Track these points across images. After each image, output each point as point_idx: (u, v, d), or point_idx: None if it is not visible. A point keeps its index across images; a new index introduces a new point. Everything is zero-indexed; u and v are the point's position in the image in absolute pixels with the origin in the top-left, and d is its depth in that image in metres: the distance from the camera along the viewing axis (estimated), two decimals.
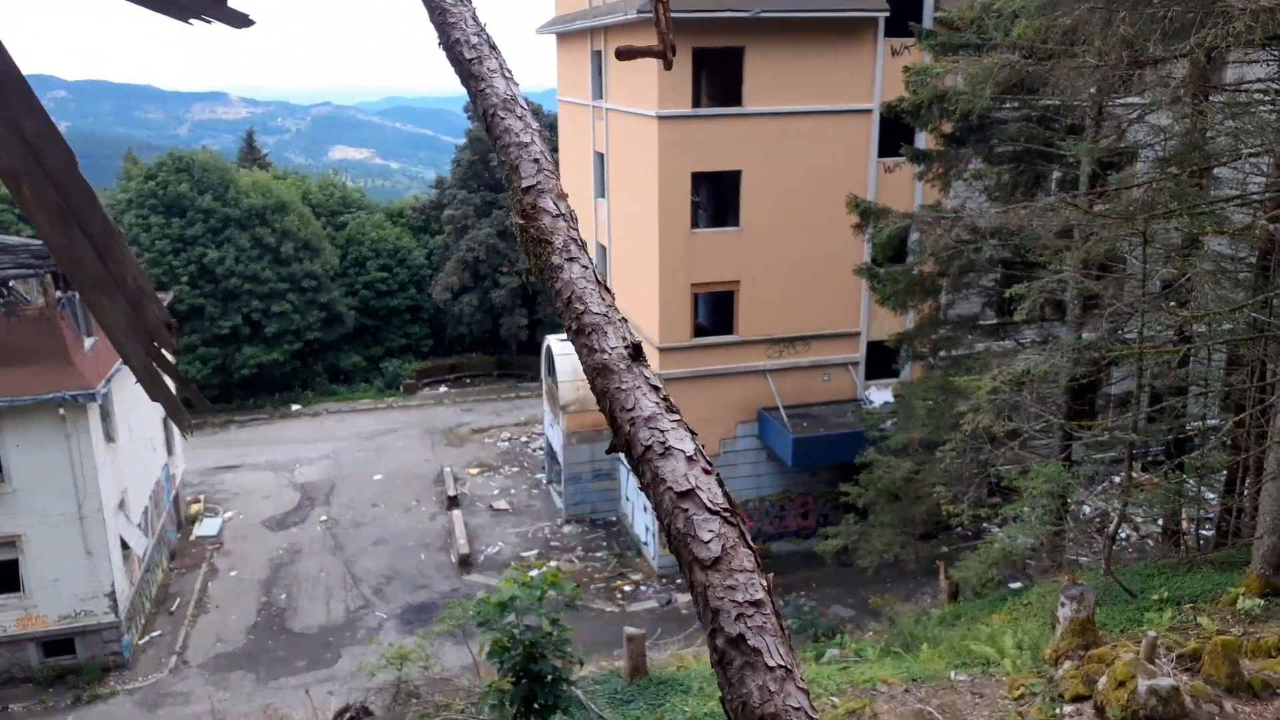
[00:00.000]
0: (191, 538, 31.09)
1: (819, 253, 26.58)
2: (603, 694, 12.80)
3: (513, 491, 34.32)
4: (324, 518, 32.54)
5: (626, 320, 1.55)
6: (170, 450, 31.35)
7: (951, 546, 21.12)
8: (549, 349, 32.38)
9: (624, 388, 1.48)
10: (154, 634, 25.64)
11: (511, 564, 26.27)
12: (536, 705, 9.24)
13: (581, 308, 1.57)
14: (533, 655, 9.18)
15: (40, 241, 30.53)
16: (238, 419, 42.69)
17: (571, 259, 1.64)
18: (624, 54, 2.41)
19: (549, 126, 47.34)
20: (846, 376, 28.12)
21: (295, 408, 44.31)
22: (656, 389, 1.49)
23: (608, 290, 1.60)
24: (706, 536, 1.27)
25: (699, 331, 27.99)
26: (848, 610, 24.93)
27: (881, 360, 27.20)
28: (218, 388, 43.36)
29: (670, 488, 1.34)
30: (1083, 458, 18.40)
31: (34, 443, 22.61)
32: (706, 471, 1.36)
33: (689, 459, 1.37)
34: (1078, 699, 10.34)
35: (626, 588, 27.45)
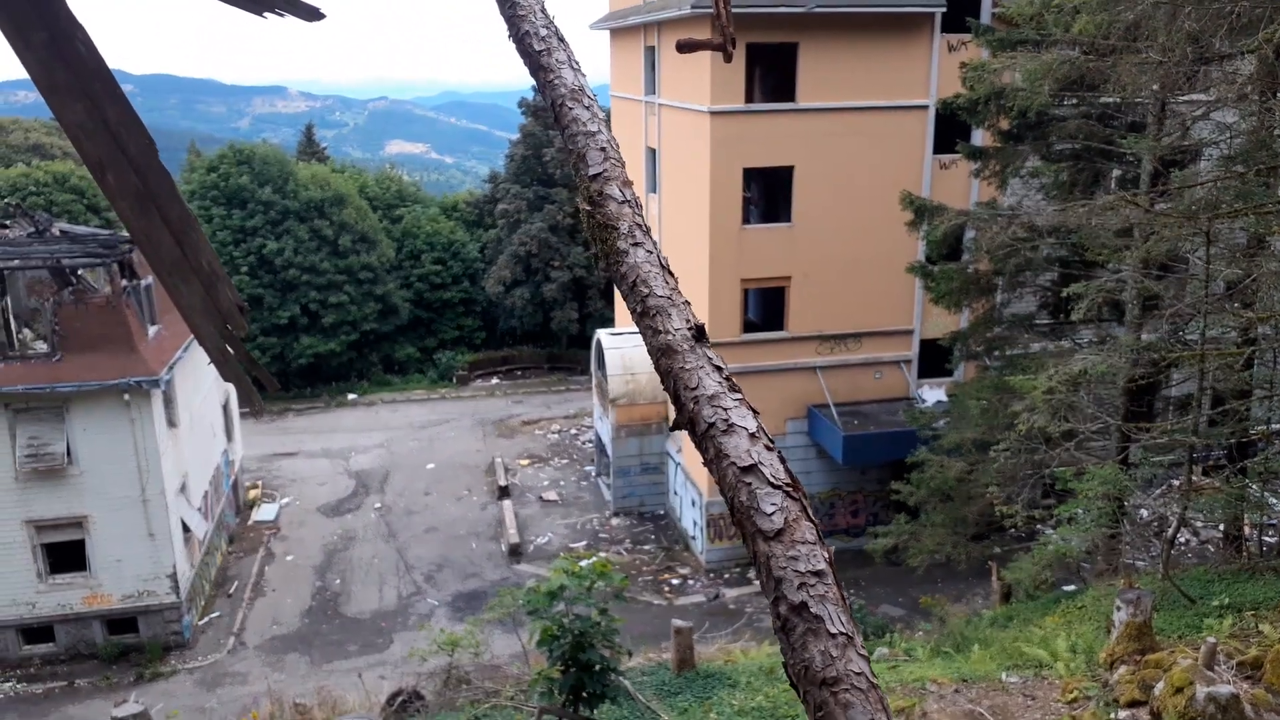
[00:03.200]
0: (249, 522, 31.87)
1: (871, 249, 26.39)
2: (650, 685, 12.90)
3: (562, 483, 34.61)
4: (378, 505, 33.14)
5: (690, 303, 1.61)
6: (230, 436, 32.15)
7: (1004, 547, 20.88)
8: (599, 343, 32.58)
9: (688, 367, 1.51)
10: (213, 615, 26.35)
11: (560, 554, 26.53)
12: (584, 694, 9.34)
13: (646, 290, 1.60)
14: (581, 644, 9.27)
15: (107, 232, 31.48)
16: (295, 407, 43.60)
17: (636, 244, 1.68)
18: (684, 47, 2.46)
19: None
20: (899, 375, 27.89)
21: (351, 397, 45.13)
22: (719, 369, 1.53)
23: (671, 274, 1.64)
24: (769, 509, 1.30)
25: (749, 327, 27.97)
26: (897, 609, 24.78)
27: (935, 359, 26.94)
28: (276, 376, 44.16)
29: (734, 463, 1.37)
30: (1141, 460, 18.06)
31: (100, 427, 23.33)
32: (769, 448, 1.39)
33: (751, 436, 1.39)
34: (1133, 704, 10.20)
35: (674, 581, 27.56)
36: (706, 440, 1.44)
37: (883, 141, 26.10)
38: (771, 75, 27.20)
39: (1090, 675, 11.57)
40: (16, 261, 24.03)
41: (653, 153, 31.18)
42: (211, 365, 2.46)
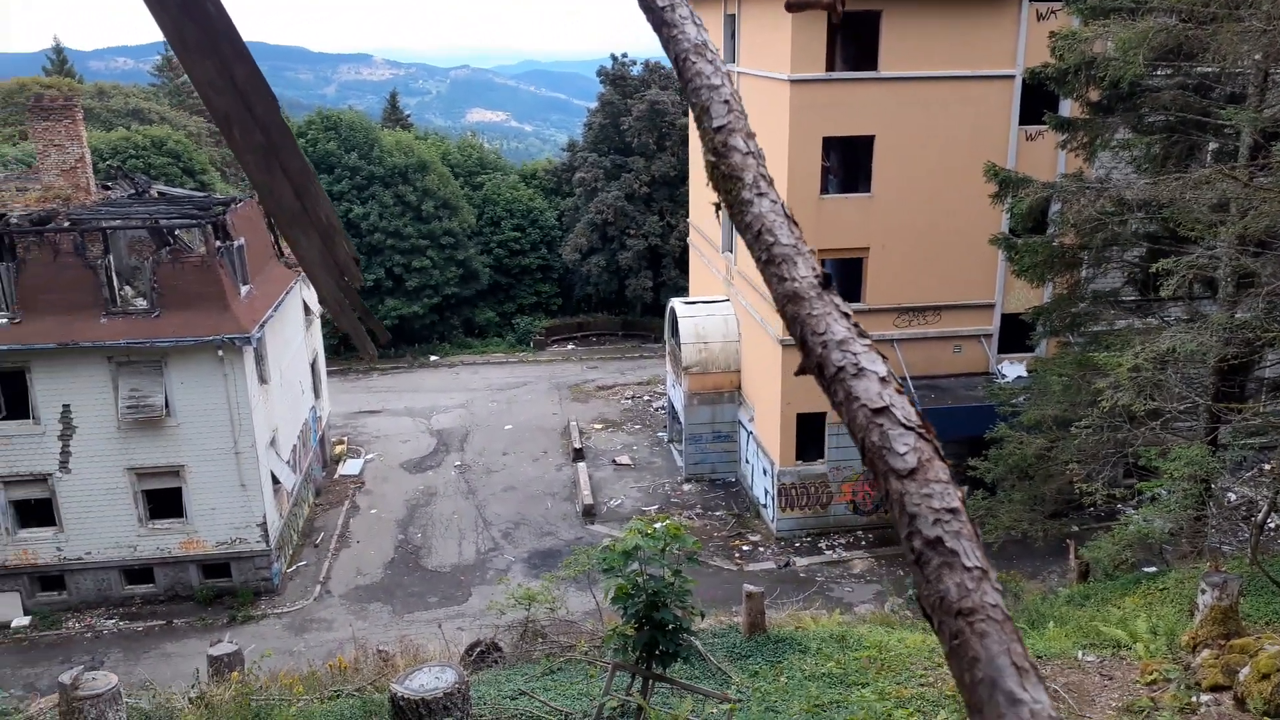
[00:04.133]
0: (335, 476, 33.05)
1: (953, 221, 25.98)
2: (721, 646, 13.15)
3: (635, 448, 35.05)
4: (458, 463, 34.04)
5: (815, 252, 1.65)
6: (318, 394, 33.30)
7: (1082, 526, 20.60)
8: (673, 311, 32.76)
9: (815, 313, 1.53)
10: (300, 564, 27.51)
11: (633, 517, 26.94)
12: (657, 652, 9.58)
13: (772, 239, 1.62)
14: (655, 604, 9.45)
15: (202, 194, 32.63)
16: (380, 367, 44.86)
17: (761, 194, 1.69)
18: (794, 6, 2.44)
19: (680, 91, 47.32)
20: (978, 349, 27.50)
21: (433, 358, 46.23)
22: (847, 315, 1.54)
23: (795, 224, 1.66)
24: (902, 449, 1.33)
25: None
26: None
27: (1016, 333, 26.48)
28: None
29: (864, 405, 1.39)
30: (1230, 442, 17.62)
31: (195, 381, 24.42)
32: (899, 392, 1.42)
33: (882, 380, 1.42)
34: (1216, 689, 10.10)
35: (745, 548, 27.81)
36: (835, 383, 1.45)
37: (966, 112, 25.59)
38: (853, 43, 26.82)
39: (1171, 658, 11.44)
40: (118, 221, 25.18)
41: None
42: (325, 314, 2.57)
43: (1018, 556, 24.52)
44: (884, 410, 1.38)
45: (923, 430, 1.37)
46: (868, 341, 1.50)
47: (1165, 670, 11.01)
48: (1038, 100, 24.03)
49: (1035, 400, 21.10)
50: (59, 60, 69.43)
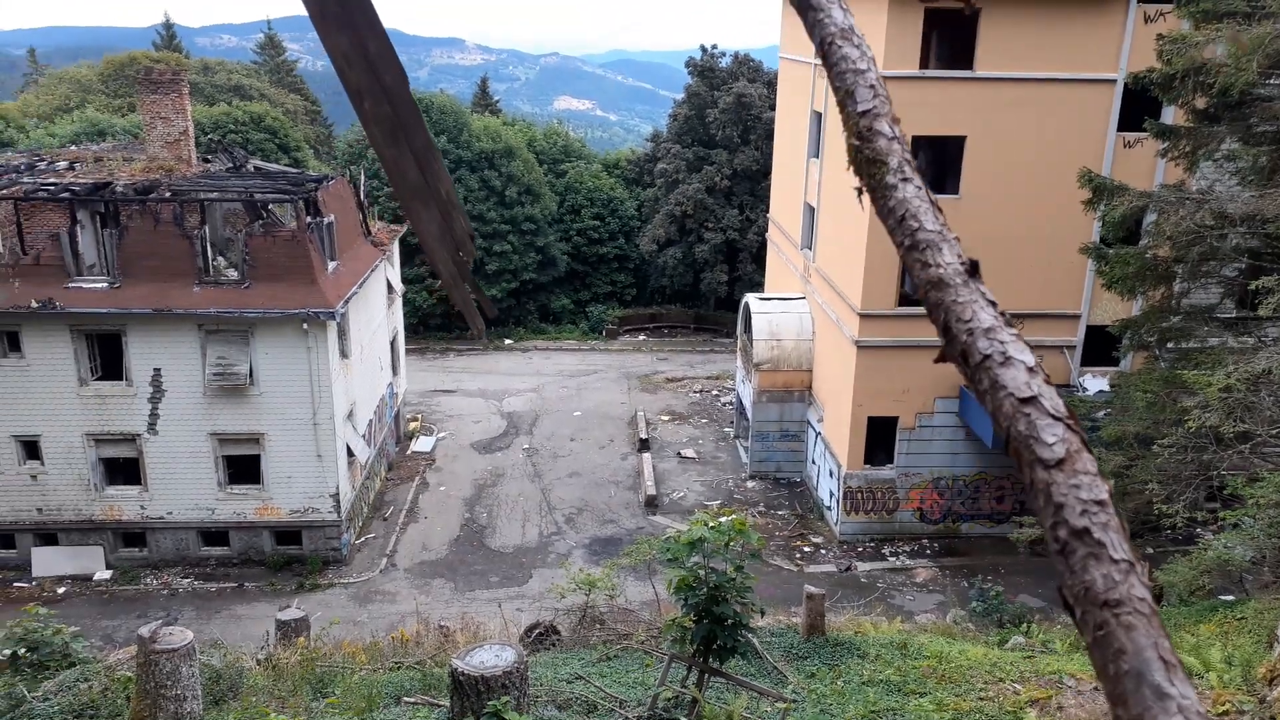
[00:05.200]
0: (408, 453, 33.73)
1: (1042, 227, 25.30)
2: (778, 646, 13.08)
3: (700, 441, 35.00)
4: (526, 446, 34.45)
5: (959, 239, 1.60)
6: (395, 371, 33.99)
7: (1158, 548, 19.94)
8: (747, 306, 32.57)
9: (961, 300, 1.50)
10: (369, 536, 28.16)
11: (695, 509, 26.95)
12: (715, 645, 9.56)
13: (916, 225, 1.60)
14: (716, 597, 9.42)
15: (296, 170, 33.48)
16: (456, 348, 45.61)
17: (906, 179, 1.66)
18: None
19: (768, 84, 46.97)
20: (1060, 360, 26.76)
21: (508, 342, 46.82)
22: (993, 304, 1.50)
23: (940, 210, 1.63)
24: (1050, 439, 1.31)
25: (904, 300, 27.37)
26: (1036, 600, 24.05)
27: (1099, 346, 25.71)
28: (440, 317, 46.36)
29: (1011, 393, 1.37)
30: None
31: (279, 352, 25.12)
32: (1048, 382, 1.39)
33: (1030, 370, 1.40)
34: None
35: (806, 549, 27.59)
36: (981, 372, 1.44)
37: (1063, 115, 24.85)
38: (950, 40, 26.25)
39: (1246, 689, 11.03)
40: (215, 194, 26.00)
41: (819, 116, 30.70)
42: (441, 287, 2.56)
43: None
44: (1032, 400, 1.36)
45: (1070, 421, 1.34)
46: (1015, 331, 1.46)
47: (1239, 702, 10.61)
48: (1138, 106, 23.22)
49: (1116, 416, 20.46)
50: (168, 35, 72.00)
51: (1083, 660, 13.33)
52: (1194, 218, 17.34)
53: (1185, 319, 20.49)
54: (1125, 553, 1.23)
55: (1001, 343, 1.44)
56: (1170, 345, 20.89)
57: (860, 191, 1.78)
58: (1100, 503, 1.26)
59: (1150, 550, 20.10)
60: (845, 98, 1.81)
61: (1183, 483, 18.04)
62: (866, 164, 1.73)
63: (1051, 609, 22.68)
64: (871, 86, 1.79)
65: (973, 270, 1.56)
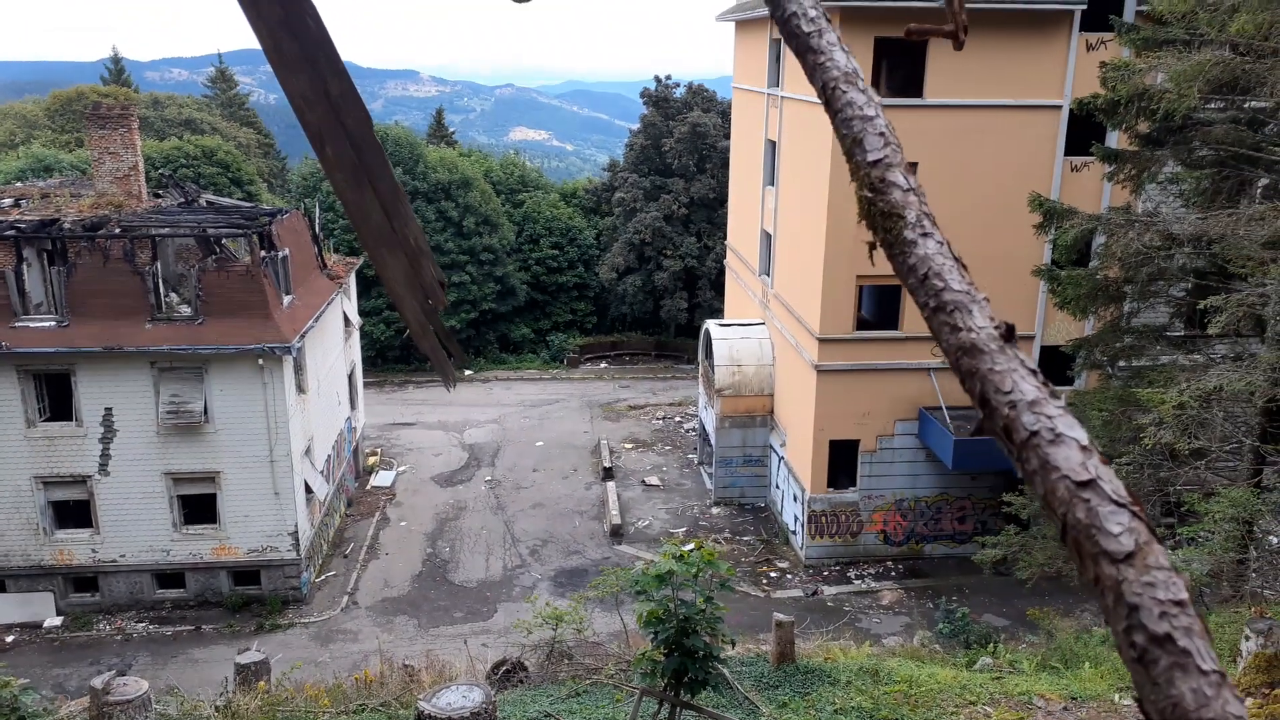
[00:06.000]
0: (368, 488, 33.25)
1: (994, 251, 25.73)
2: (749, 675, 12.98)
3: (664, 469, 34.93)
4: (488, 478, 34.13)
5: (989, 300, 1.49)
6: (354, 405, 33.56)
7: None
8: (707, 333, 32.68)
9: (999, 369, 1.39)
10: (329, 574, 27.64)
11: (660, 538, 26.84)
12: (686, 679, 9.48)
13: (941, 284, 1.49)
14: (686, 630, 9.34)
15: (249, 205, 33.12)
16: (415, 380, 45.18)
17: (926, 234, 1.56)
18: (913, 33, 2.35)
19: (722, 114, 47.48)
20: None
21: (468, 373, 46.49)
22: (1034, 373, 1.39)
23: (965, 267, 1.52)
24: (1116, 529, 1.20)
25: (861, 324, 27.65)
26: (1002, 620, 24.22)
27: (1054, 366, 26.11)
28: (398, 349, 45.96)
29: (1066, 475, 1.25)
30: (1275, 484, 17.22)
31: (235, 389, 24.70)
32: (1104, 462, 1.28)
33: (1083, 448, 1.27)
34: None
35: (772, 574, 27.56)
36: (1028, 450, 1.32)
37: (1011, 141, 25.39)
38: (900, 70, 26.74)
39: None
40: (167, 229, 25.61)
41: (772, 145, 31.06)
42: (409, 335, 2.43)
43: (1051, 593, 24.07)
44: (1090, 484, 1.23)
45: (1136, 508, 1.23)
46: (1061, 404, 1.35)
47: None
48: (1084, 131, 23.79)
49: None
50: (116, 70, 71.11)
51: (1051, 680, 13.41)
52: (1142, 239, 17.75)
53: (1136, 338, 20.92)
54: (1213, 662, 1.11)
55: (1049, 418, 1.32)
56: (1123, 364, 21.29)
57: (872, 246, 1.69)
58: (1180, 603, 1.14)
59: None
60: (853, 146, 1.70)
61: (1141, 499, 18.26)
62: (882, 218, 1.63)
63: (1017, 628, 22.85)
64: (881, 134, 1.68)
65: (1008, 335, 1.46)
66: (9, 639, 24.47)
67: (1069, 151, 25.44)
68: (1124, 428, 18.47)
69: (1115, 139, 23.12)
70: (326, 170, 2.11)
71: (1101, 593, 1.20)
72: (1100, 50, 24.04)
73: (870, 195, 1.66)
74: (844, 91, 1.73)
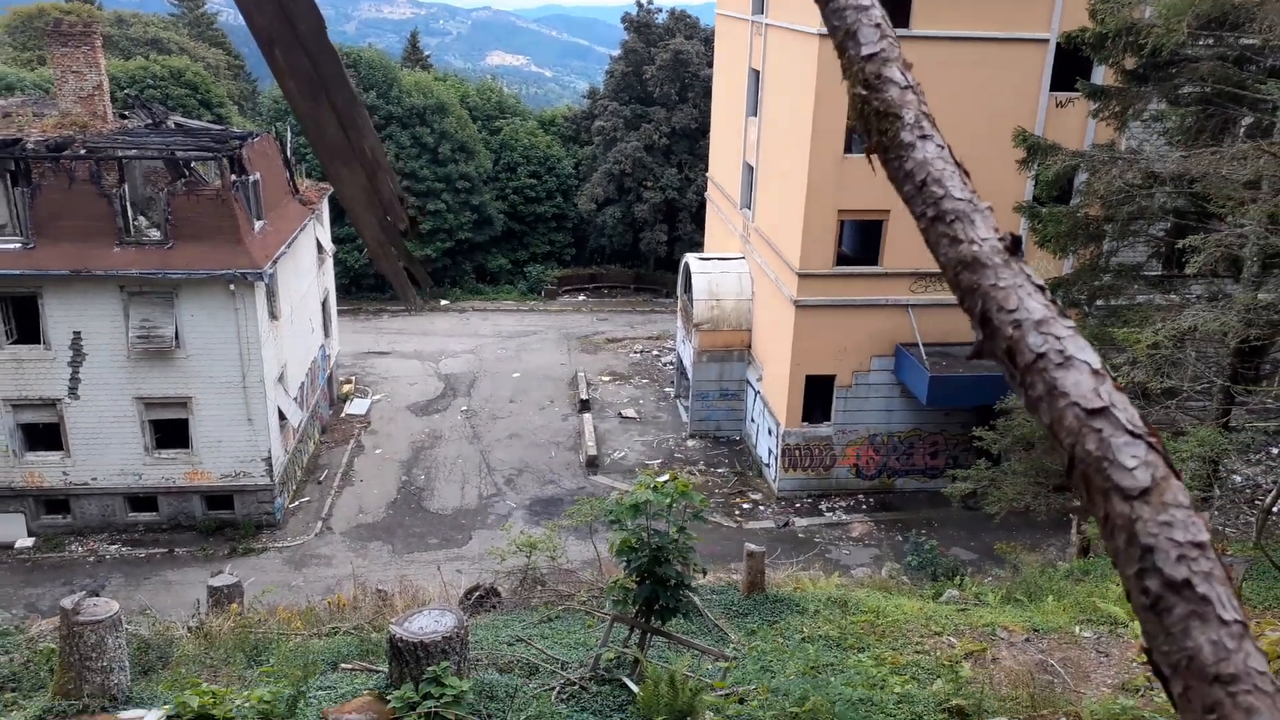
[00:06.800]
0: (342, 415, 33.14)
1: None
2: (719, 604, 13.12)
3: (641, 401, 35.02)
4: (464, 408, 34.09)
5: (993, 209, 1.37)
6: (328, 333, 33.26)
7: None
8: (686, 267, 32.49)
9: (1002, 285, 1.25)
10: (303, 500, 27.67)
11: (636, 469, 27.00)
12: (657, 606, 9.58)
13: (940, 191, 1.38)
14: (658, 559, 9.42)
15: (219, 128, 32.31)
16: (390, 309, 44.80)
17: (925, 136, 1.43)
18: None
19: (705, 41, 46.56)
20: None
21: (444, 303, 46.14)
22: (1042, 289, 1.28)
23: (967, 174, 1.41)
24: (1130, 462, 1.08)
25: (841, 260, 27.54)
26: (969, 554, 24.66)
27: None
28: (373, 277, 45.46)
29: (1075, 403, 1.14)
30: (1242, 424, 17.46)
31: (206, 314, 24.37)
32: (1119, 389, 1.16)
33: (1095, 373, 1.16)
34: None
35: (745, 505, 27.86)
36: (1033, 374, 1.18)
37: (997, 75, 25.07)
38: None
39: None
40: (134, 151, 24.95)
41: (756, 75, 30.53)
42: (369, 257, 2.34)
43: (1019, 528, 24.50)
44: (1102, 411, 1.11)
45: (1153, 440, 1.10)
46: (1071, 324, 1.22)
47: None
48: (1070, 66, 23.51)
49: None
50: None
51: (1014, 612, 13.66)
52: (1124, 177, 17.64)
53: (1115, 277, 20.94)
54: (1237, 612, 1.00)
55: (1058, 338, 1.19)
56: (1100, 303, 21.34)
57: (869, 152, 1.51)
58: (1199, 545, 1.03)
59: (1079, 503, 20.64)
60: (846, 39, 1.53)
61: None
62: (876, 117, 1.47)
63: (984, 561, 23.28)
64: (878, 25, 1.50)
65: (1014, 247, 1.31)
66: None
67: (1054, 87, 25.17)
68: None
69: (1101, 75, 22.86)
70: (278, 78, 1.98)
71: (1111, 532, 1.09)
72: None
73: (864, 93, 1.50)
74: None
